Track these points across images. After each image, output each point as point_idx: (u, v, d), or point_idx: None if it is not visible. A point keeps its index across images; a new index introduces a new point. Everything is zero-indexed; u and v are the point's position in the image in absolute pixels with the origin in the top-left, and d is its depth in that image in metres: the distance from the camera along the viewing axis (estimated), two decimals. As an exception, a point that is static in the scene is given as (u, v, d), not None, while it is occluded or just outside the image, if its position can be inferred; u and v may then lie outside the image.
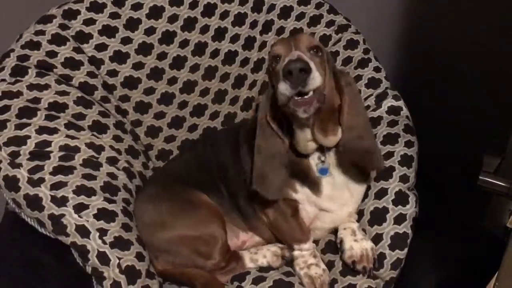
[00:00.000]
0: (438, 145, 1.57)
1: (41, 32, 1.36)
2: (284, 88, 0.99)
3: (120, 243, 1.13)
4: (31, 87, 1.28)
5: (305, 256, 1.22)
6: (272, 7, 1.59)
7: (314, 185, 1.19)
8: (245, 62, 1.59)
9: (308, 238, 1.23)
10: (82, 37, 1.41)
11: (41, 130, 1.21)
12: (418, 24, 1.76)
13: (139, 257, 1.15)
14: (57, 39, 1.37)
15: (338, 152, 1.18)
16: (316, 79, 0.99)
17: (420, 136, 1.37)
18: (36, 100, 1.27)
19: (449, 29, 1.70)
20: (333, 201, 1.21)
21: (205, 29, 1.55)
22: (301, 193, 1.21)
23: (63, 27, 1.38)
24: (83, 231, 1.10)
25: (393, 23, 1.81)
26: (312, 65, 0.99)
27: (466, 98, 1.68)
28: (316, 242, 1.30)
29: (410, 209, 1.22)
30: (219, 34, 1.56)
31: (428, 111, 1.60)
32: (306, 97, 0.99)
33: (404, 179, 1.26)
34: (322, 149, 1.17)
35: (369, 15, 1.83)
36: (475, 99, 1.66)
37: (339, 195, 1.21)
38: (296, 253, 1.23)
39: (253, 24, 1.59)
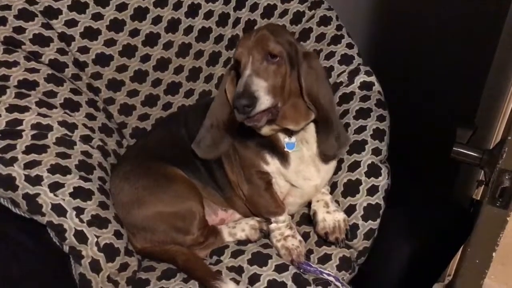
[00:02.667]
0: (410, 120, 1.61)
1: (6, 7, 1.31)
2: (236, 114, 1.06)
3: (97, 222, 1.13)
4: (-2, 64, 1.24)
5: (281, 228, 1.25)
6: (246, -16, 1.59)
7: (283, 157, 1.23)
8: (219, 39, 1.58)
9: (283, 210, 1.25)
10: (51, 12, 1.36)
11: (11, 108, 1.19)
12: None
13: (117, 235, 1.15)
14: (25, 15, 1.32)
15: (308, 128, 1.23)
16: (262, 104, 1.06)
17: (392, 111, 1.41)
18: (5, 78, 1.23)
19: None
20: (297, 175, 1.24)
21: (178, 5, 1.52)
22: (272, 165, 1.23)
23: (30, 2, 1.33)
24: (59, 210, 1.10)
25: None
26: (259, 92, 1.06)
27: (439, 73, 1.72)
28: (291, 215, 1.33)
29: (382, 181, 1.26)
30: (193, 10, 1.54)
31: (401, 86, 1.63)
32: (254, 117, 1.07)
33: (376, 152, 1.30)
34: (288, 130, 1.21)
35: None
36: (447, 74, 1.70)
37: (305, 169, 1.24)
38: (272, 225, 1.26)
39: (227, 0, 1.57)
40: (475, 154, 0.84)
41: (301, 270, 1.19)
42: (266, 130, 1.19)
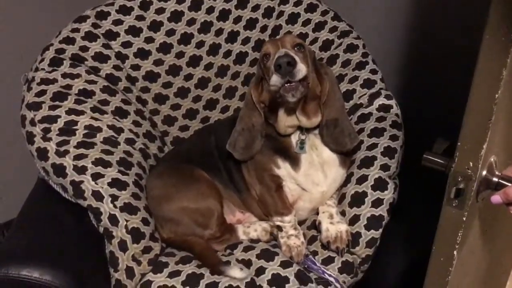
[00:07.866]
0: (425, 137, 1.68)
1: (76, 30, 1.58)
2: (275, 80, 1.21)
3: (128, 208, 1.30)
4: (64, 75, 1.49)
5: (286, 227, 1.37)
6: (281, 14, 1.76)
7: (294, 161, 1.36)
8: (254, 62, 1.76)
9: (290, 211, 1.37)
10: (111, 35, 1.62)
11: (70, 112, 1.41)
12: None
13: (145, 222, 1.33)
14: (89, 36, 1.58)
15: (318, 135, 1.37)
16: (301, 70, 1.20)
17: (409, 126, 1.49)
18: (68, 87, 1.47)
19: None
20: (307, 178, 1.36)
21: (219, 32, 1.73)
22: (283, 169, 1.37)
23: (95, 26, 1.60)
24: (98, 196, 1.29)
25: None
26: (297, 58, 1.20)
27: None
28: (303, 221, 1.45)
29: (388, 195, 1.35)
30: (232, 36, 1.74)
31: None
32: (293, 84, 1.20)
33: (385, 167, 1.39)
34: (301, 129, 1.36)
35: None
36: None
37: (314, 174, 1.37)
38: (279, 224, 1.38)
39: (263, 28, 1.76)
40: (441, 161, 0.92)
41: (306, 266, 1.30)
42: (284, 126, 1.34)
